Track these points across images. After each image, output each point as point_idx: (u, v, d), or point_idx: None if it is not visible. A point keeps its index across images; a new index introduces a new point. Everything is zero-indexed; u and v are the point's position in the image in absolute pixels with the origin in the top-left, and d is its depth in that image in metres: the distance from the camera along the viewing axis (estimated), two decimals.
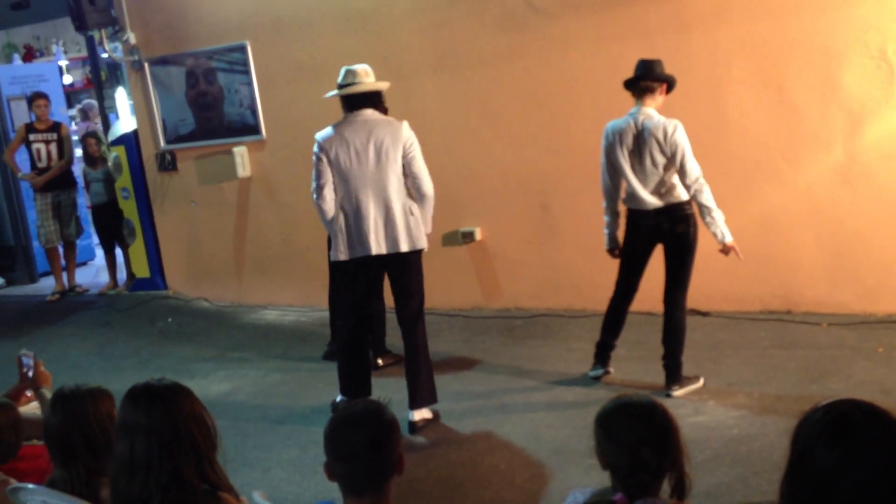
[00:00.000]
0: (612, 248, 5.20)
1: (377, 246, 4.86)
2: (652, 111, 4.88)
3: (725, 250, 4.84)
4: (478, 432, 4.80)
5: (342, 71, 4.99)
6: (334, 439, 2.28)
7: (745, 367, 5.19)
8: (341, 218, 4.92)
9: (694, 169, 4.75)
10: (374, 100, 4.94)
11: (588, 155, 6.34)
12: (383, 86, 5.02)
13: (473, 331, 6.53)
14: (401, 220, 4.85)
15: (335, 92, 5.03)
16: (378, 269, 5.01)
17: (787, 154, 5.84)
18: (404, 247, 4.87)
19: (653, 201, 4.88)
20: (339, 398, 5.18)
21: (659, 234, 4.92)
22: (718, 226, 4.76)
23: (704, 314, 5.94)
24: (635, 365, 5.28)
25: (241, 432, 5.12)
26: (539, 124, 6.53)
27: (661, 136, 4.78)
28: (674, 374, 4.91)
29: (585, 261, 6.50)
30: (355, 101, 4.91)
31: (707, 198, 4.76)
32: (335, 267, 5.45)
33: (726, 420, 4.53)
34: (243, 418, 5.39)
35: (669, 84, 4.93)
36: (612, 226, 5.17)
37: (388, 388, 5.15)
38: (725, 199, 5.59)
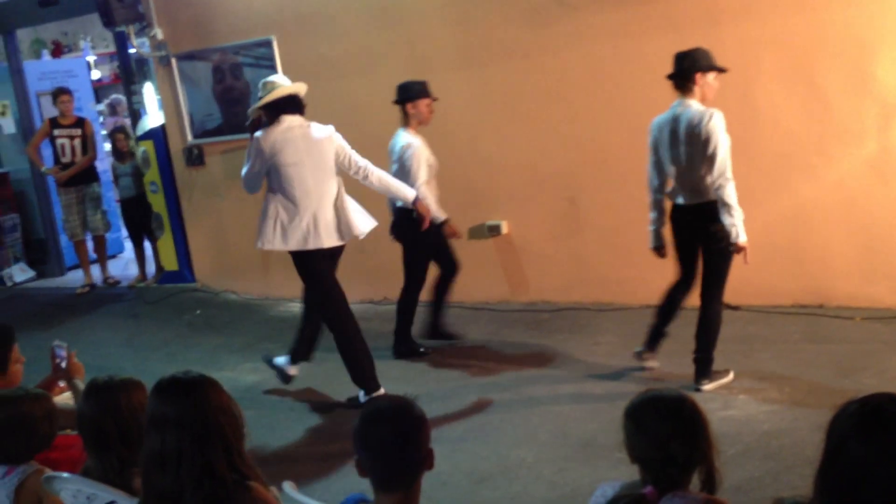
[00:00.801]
0: (656, 247, 5.12)
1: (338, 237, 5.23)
2: (692, 102, 4.77)
3: (737, 250, 4.73)
4: (505, 425, 4.80)
5: (261, 84, 5.29)
6: (364, 435, 2.28)
7: (777, 361, 5.14)
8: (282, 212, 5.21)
9: (722, 163, 4.65)
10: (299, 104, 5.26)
11: (613, 149, 6.32)
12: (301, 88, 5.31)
13: (500, 324, 6.52)
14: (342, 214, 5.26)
15: (260, 103, 5.20)
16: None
17: (819, 147, 5.77)
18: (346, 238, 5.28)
19: (688, 197, 4.83)
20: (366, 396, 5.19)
21: (693, 230, 4.86)
22: (736, 224, 4.67)
23: (735, 308, 5.87)
24: (665, 358, 5.24)
25: (269, 424, 5.14)
26: (565, 118, 6.49)
27: (695, 126, 4.70)
28: (704, 369, 4.87)
29: (612, 255, 6.47)
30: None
31: (729, 195, 4.65)
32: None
33: (757, 414, 4.49)
34: (270, 410, 5.42)
35: (705, 71, 4.79)
36: (657, 223, 5.08)
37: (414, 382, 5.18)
38: (756, 193, 5.56)
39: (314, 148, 5.19)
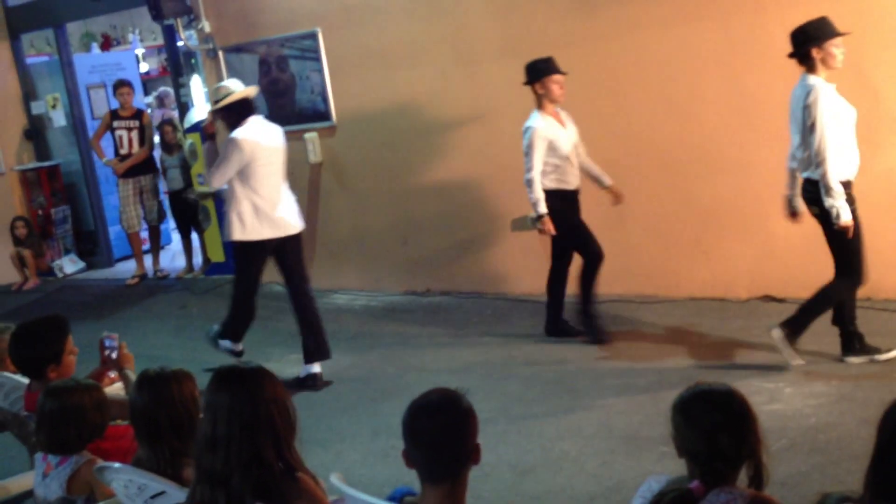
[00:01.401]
0: (790, 213, 5.15)
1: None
2: (807, 77, 4.79)
3: (841, 229, 4.73)
4: (548, 418, 4.80)
5: (213, 90, 5.68)
6: (413, 427, 2.31)
7: (823, 354, 5.07)
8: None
9: (822, 139, 4.63)
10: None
11: (658, 138, 6.27)
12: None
13: (543, 316, 6.50)
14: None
15: (221, 104, 5.53)
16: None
17: (867, 137, 5.63)
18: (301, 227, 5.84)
19: (804, 171, 4.87)
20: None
21: (808, 204, 4.91)
22: (835, 205, 4.66)
23: (780, 301, 5.81)
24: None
25: (314, 415, 5.20)
26: (609, 108, 6.45)
27: (798, 101, 4.76)
28: (796, 325, 4.88)
29: (656, 246, 6.43)
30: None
31: (827, 174, 4.64)
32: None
33: (803, 408, 4.44)
34: (315, 401, 5.48)
35: (816, 42, 4.75)
36: (787, 191, 5.12)
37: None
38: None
39: (278, 148, 5.68)
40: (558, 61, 6.55)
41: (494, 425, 4.70)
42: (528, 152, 5.72)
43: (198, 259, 9.19)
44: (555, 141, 5.76)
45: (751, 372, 4.92)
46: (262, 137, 5.55)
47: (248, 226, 5.58)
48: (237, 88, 5.61)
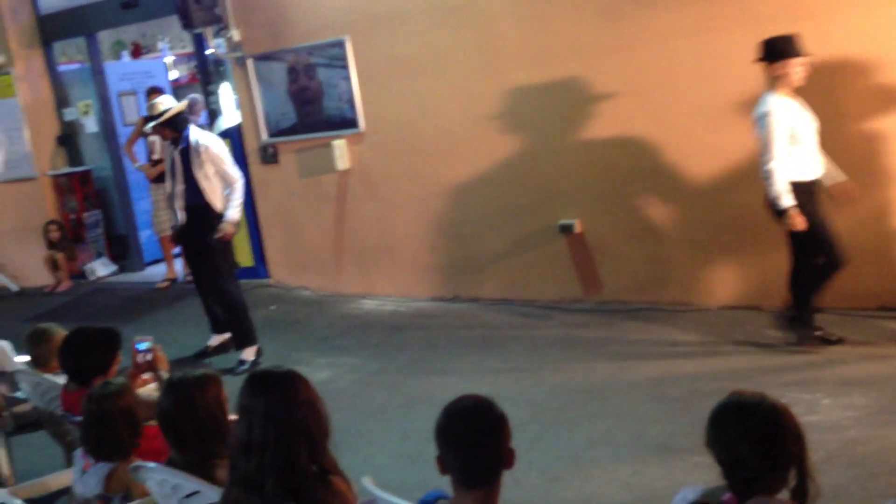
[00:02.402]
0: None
1: None
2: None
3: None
4: (578, 426, 4.76)
5: (150, 105, 6.54)
6: (449, 432, 2.32)
7: (862, 365, 4.99)
8: None
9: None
10: None
11: (689, 147, 6.22)
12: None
13: (573, 324, 6.47)
14: None
15: (166, 116, 6.27)
16: None
17: None
18: None
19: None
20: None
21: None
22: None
23: (818, 310, 5.72)
24: None
25: (343, 419, 5.12)
26: (639, 116, 6.41)
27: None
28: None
29: (688, 254, 6.37)
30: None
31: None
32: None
33: (842, 420, 4.37)
34: (344, 405, 5.47)
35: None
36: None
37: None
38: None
39: None
40: (587, 68, 6.54)
41: (524, 432, 4.64)
42: (766, 140, 5.13)
43: None
44: (795, 126, 5.18)
45: (787, 382, 4.85)
46: None
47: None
48: (173, 103, 6.43)
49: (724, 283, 6.28)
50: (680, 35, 6.13)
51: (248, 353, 6.45)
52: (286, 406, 2.47)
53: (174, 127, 6.30)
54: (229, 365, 6.34)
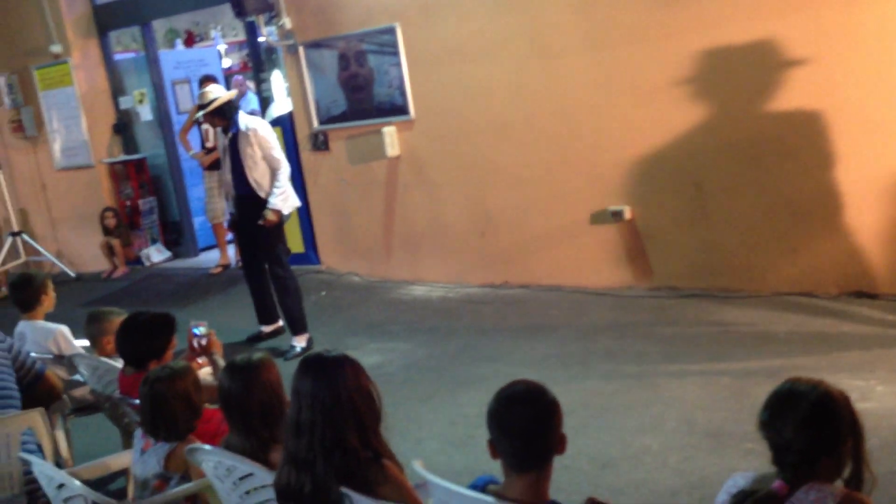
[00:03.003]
0: None
1: None
2: None
3: None
4: (628, 412, 4.76)
5: (201, 94, 6.60)
6: (503, 416, 2.35)
7: None
8: None
9: None
10: None
11: (743, 132, 6.13)
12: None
13: (623, 310, 6.44)
14: None
15: (215, 104, 6.39)
16: None
17: None
18: None
19: None
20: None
21: None
22: None
23: (873, 296, 5.63)
24: None
25: (393, 403, 5.16)
26: (692, 102, 6.33)
27: None
28: None
29: (739, 241, 6.29)
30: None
31: None
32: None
33: (895, 407, 4.30)
34: (394, 390, 5.52)
35: None
36: None
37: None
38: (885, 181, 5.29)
39: None
40: (638, 53, 6.48)
41: (574, 418, 4.59)
42: None
43: None
44: None
45: (840, 369, 4.78)
46: None
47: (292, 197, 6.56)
48: (221, 92, 6.56)
49: (777, 270, 6.20)
50: (731, 20, 6.03)
51: (301, 340, 6.54)
52: (332, 389, 2.54)
53: (223, 115, 6.43)
54: (281, 350, 6.44)
